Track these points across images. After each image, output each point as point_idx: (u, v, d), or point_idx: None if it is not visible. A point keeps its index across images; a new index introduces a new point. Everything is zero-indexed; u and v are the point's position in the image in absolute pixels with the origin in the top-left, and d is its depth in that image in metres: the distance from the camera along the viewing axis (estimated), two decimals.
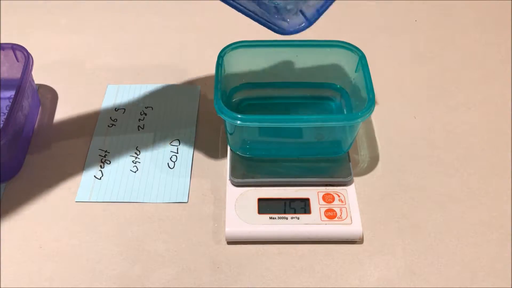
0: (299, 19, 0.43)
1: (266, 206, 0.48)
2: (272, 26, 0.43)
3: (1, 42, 0.56)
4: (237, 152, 0.51)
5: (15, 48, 0.55)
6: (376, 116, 0.58)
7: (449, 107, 0.60)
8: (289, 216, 0.48)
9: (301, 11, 0.43)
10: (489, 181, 0.52)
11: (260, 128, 0.50)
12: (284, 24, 0.43)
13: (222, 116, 0.46)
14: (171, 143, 0.56)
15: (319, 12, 0.43)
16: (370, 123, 0.57)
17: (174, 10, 0.72)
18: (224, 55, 0.51)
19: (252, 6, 0.42)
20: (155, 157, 0.54)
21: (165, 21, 0.71)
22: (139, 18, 0.72)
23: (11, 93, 0.50)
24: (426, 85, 0.62)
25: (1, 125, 0.47)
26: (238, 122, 0.45)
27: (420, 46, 0.68)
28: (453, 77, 0.63)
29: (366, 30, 0.70)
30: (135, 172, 0.53)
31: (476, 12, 0.73)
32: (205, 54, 0.66)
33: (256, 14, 0.43)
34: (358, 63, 0.51)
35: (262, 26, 0.43)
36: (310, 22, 0.43)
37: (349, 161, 0.51)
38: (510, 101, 0.60)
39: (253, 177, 0.50)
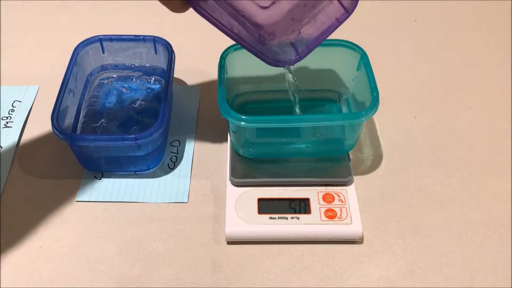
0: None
1: (266, 206, 0.48)
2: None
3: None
4: (241, 154, 0.51)
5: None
6: (376, 116, 0.58)
7: (449, 107, 0.60)
8: (289, 216, 0.48)
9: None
10: (489, 181, 0.52)
11: (264, 129, 0.50)
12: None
13: (227, 118, 0.46)
14: (171, 143, 0.56)
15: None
16: (370, 123, 0.57)
17: None
18: (226, 57, 0.51)
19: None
20: None
21: (165, 21, 0.71)
22: (139, 18, 0.72)
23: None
24: (426, 85, 0.62)
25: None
26: (243, 123, 0.45)
27: (420, 46, 0.68)
28: (453, 77, 0.63)
29: (366, 30, 0.70)
30: (135, 172, 0.53)
31: (476, 12, 0.73)
32: (205, 54, 0.66)
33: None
34: (359, 62, 0.51)
35: None
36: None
37: (349, 160, 0.51)
38: (510, 101, 0.60)
39: (253, 177, 0.50)
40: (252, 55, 0.45)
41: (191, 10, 0.44)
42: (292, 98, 0.51)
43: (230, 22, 0.42)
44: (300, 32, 0.43)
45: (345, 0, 0.41)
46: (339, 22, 0.43)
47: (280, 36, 0.43)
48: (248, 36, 0.43)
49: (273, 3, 0.41)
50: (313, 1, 0.41)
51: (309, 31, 0.43)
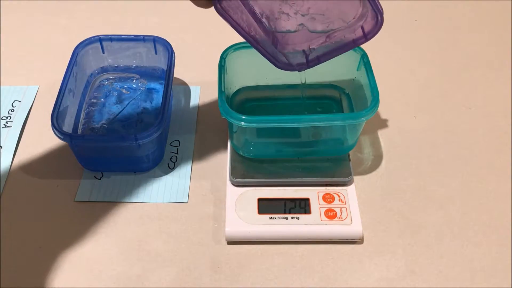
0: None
1: (266, 206, 0.48)
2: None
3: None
4: (241, 154, 0.51)
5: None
6: (376, 116, 0.58)
7: (449, 107, 0.60)
8: (289, 216, 0.48)
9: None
10: (489, 181, 0.52)
11: (264, 129, 0.50)
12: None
13: (227, 118, 0.46)
14: (171, 143, 0.56)
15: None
16: (370, 123, 0.57)
17: (174, 10, 0.72)
18: (226, 57, 0.51)
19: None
20: None
21: (165, 21, 0.71)
22: (139, 18, 0.72)
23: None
24: (426, 85, 0.62)
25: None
26: (243, 123, 0.45)
27: (420, 46, 0.68)
28: (453, 77, 0.63)
29: None
30: (135, 172, 0.53)
31: (476, 12, 0.73)
32: (205, 54, 0.66)
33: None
34: (359, 62, 0.51)
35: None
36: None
37: (349, 160, 0.51)
38: (510, 101, 0.60)
39: (253, 177, 0.50)
40: (252, 55, 0.45)
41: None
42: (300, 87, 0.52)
43: (249, 22, 0.42)
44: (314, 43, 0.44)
45: (367, 24, 0.42)
46: (355, 43, 0.43)
47: (294, 42, 0.43)
48: (263, 38, 0.43)
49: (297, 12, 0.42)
50: (336, 24, 0.42)
51: (324, 43, 0.44)
